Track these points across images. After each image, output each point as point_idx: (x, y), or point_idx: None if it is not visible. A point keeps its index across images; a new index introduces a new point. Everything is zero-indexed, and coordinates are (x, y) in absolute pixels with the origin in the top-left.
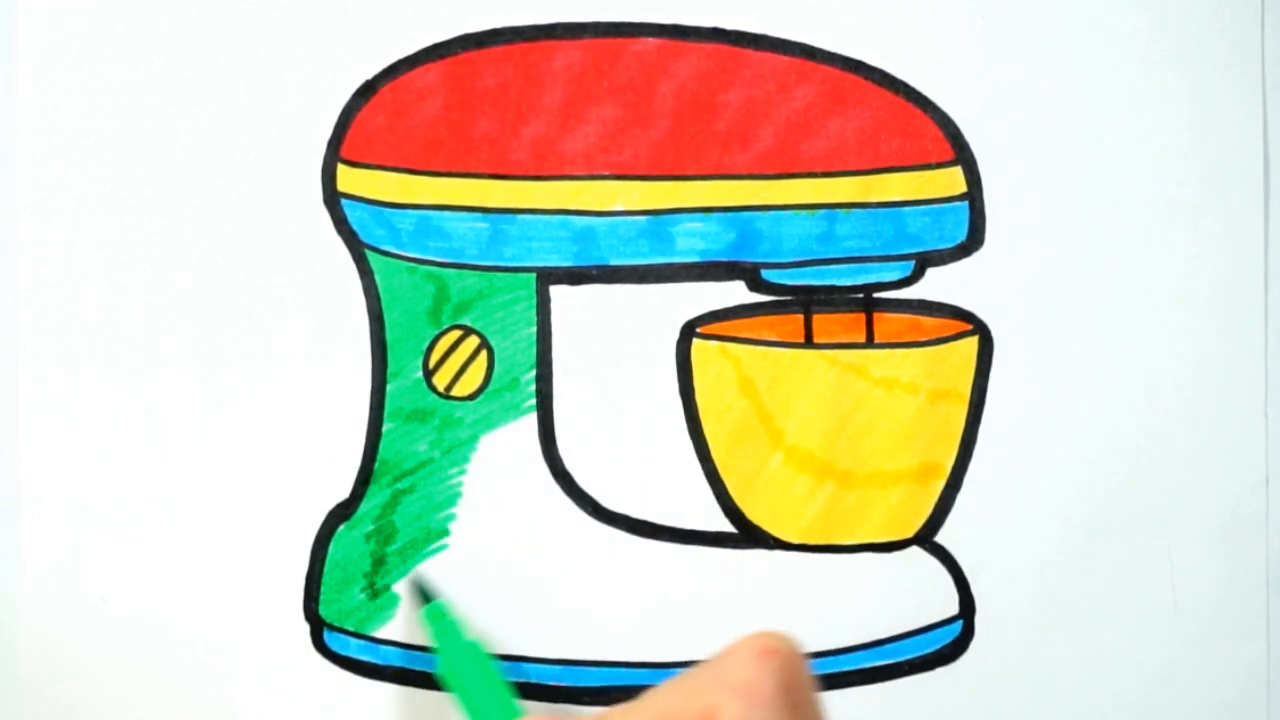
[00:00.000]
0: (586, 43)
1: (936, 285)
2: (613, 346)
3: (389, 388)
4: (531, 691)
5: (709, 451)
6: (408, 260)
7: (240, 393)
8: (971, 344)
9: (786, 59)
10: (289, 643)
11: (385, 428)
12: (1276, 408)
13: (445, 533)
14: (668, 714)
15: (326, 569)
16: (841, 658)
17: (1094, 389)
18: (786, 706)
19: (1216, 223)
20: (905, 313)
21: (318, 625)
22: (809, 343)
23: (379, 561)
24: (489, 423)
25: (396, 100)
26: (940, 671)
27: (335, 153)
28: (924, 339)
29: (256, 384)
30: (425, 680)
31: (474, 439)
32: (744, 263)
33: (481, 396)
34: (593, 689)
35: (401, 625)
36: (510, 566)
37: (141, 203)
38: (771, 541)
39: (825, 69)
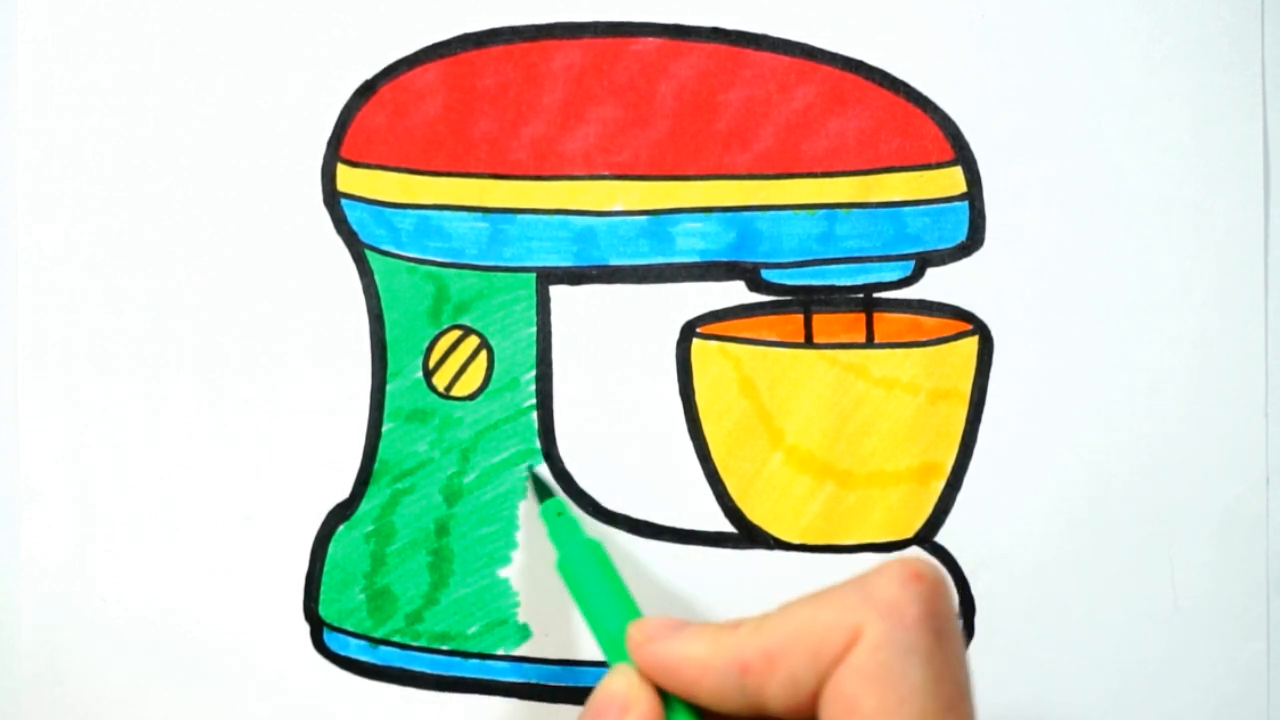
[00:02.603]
0: (586, 43)
1: (936, 285)
2: (613, 346)
3: (389, 388)
4: (531, 692)
5: (709, 451)
6: (408, 260)
7: (240, 393)
8: (971, 344)
9: (786, 59)
10: (289, 643)
11: (385, 428)
12: (1276, 408)
13: (446, 533)
14: (810, 626)
15: (326, 569)
16: None
17: (1094, 389)
18: (931, 632)
19: (1216, 223)
20: (905, 313)
21: (318, 625)
22: (809, 343)
23: (379, 561)
24: (489, 423)
25: (396, 100)
26: None
27: (335, 153)
28: (924, 339)
29: (256, 384)
30: (425, 680)
31: (474, 439)
32: (744, 263)
33: (481, 396)
34: (592, 689)
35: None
36: (510, 567)
37: (141, 203)
38: (771, 541)
39: (825, 69)
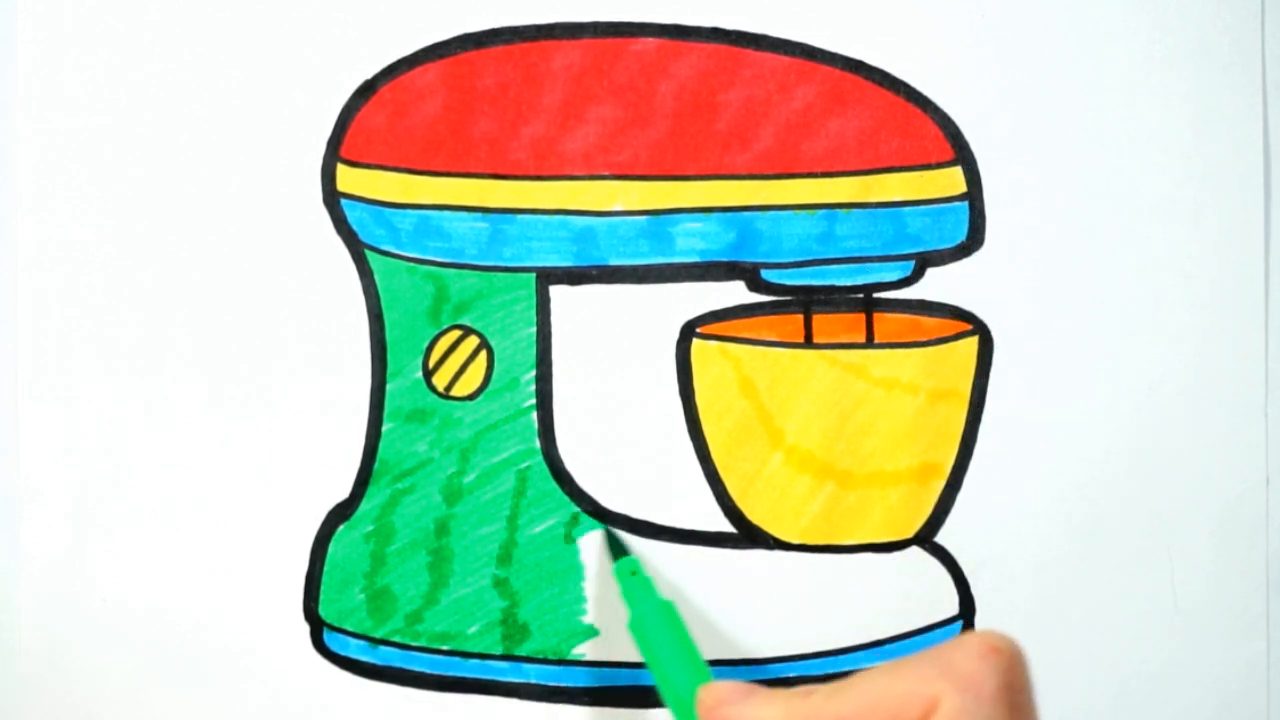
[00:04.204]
0: (586, 43)
1: (936, 285)
2: (613, 346)
3: (389, 388)
4: (531, 692)
5: (709, 451)
6: (408, 260)
7: (240, 393)
8: (971, 344)
9: (786, 59)
10: (289, 643)
11: (385, 428)
12: (1276, 408)
13: (446, 533)
14: (885, 696)
15: (326, 569)
16: (841, 658)
17: (1094, 389)
18: (1007, 705)
19: (1216, 223)
20: (905, 313)
21: (318, 625)
22: (809, 343)
23: (379, 561)
24: (489, 423)
25: (396, 100)
26: None
27: (335, 153)
28: (924, 339)
29: (256, 384)
30: (425, 680)
31: (474, 439)
32: (744, 263)
33: (481, 396)
34: (592, 689)
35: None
36: (510, 567)
37: (141, 202)
38: (771, 541)
39: (825, 69)
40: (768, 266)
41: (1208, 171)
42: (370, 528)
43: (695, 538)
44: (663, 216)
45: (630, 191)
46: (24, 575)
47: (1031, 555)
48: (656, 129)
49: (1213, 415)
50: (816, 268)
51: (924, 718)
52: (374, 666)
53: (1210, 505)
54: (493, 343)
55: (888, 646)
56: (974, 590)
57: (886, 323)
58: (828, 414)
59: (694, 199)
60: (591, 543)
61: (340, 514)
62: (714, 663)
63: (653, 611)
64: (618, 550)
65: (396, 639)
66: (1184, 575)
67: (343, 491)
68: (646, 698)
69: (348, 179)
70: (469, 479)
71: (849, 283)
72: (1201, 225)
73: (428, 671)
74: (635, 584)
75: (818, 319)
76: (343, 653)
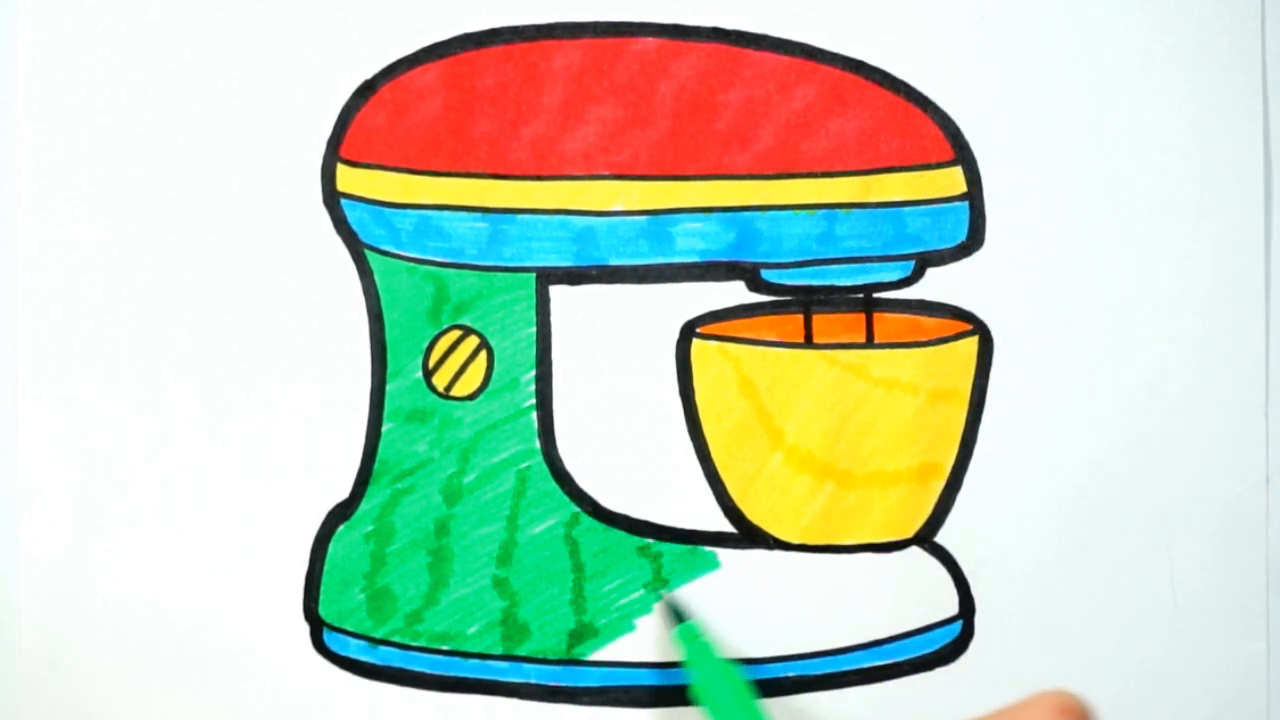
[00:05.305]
0: (586, 43)
1: (936, 285)
2: (613, 346)
3: (389, 388)
4: (531, 692)
5: (709, 451)
6: (407, 260)
7: (240, 393)
8: (971, 344)
9: (786, 59)
10: (289, 643)
11: (385, 428)
12: (1276, 408)
13: (446, 533)
14: None
15: (326, 569)
16: (841, 658)
17: (1094, 389)
18: None
19: (1216, 223)
20: (905, 313)
21: (318, 625)
22: (809, 343)
23: (379, 561)
24: (489, 423)
25: (396, 100)
26: (940, 671)
27: (335, 152)
28: (924, 339)
29: (256, 384)
30: (425, 680)
31: (474, 439)
32: (744, 263)
33: (481, 396)
34: (593, 689)
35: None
36: (510, 567)
37: (141, 202)
38: (771, 541)
39: (825, 69)
40: (768, 266)
41: (1208, 171)
42: (370, 528)
43: (695, 538)
44: (663, 216)
45: (630, 191)
46: (24, 575)
47: (1031, 555)
48: (656, 129)
49: (1213, 415)
50: (816, 268)
51: None
52: (374, 666)
53: (1210, 505)
54: (493, 343)
55: (888, 646)
56: (974, 590)
57: (886, 323)
58: (828, 414)
59: (694, 199)
60: (591, 541)
61: (340, 514)
62: None
63: (717, 674)
64: (678, 615)
65: (396, 639)
66: (1184, 575)
67: (343, 491)
68: (647, 698)
69: (348, 179)
70: (469, 479)
71: (849, 283)
72: (1201, 225)
73: (428, 671)
74: (698, 648)
75: (818, 319)
76: (343, 653)
